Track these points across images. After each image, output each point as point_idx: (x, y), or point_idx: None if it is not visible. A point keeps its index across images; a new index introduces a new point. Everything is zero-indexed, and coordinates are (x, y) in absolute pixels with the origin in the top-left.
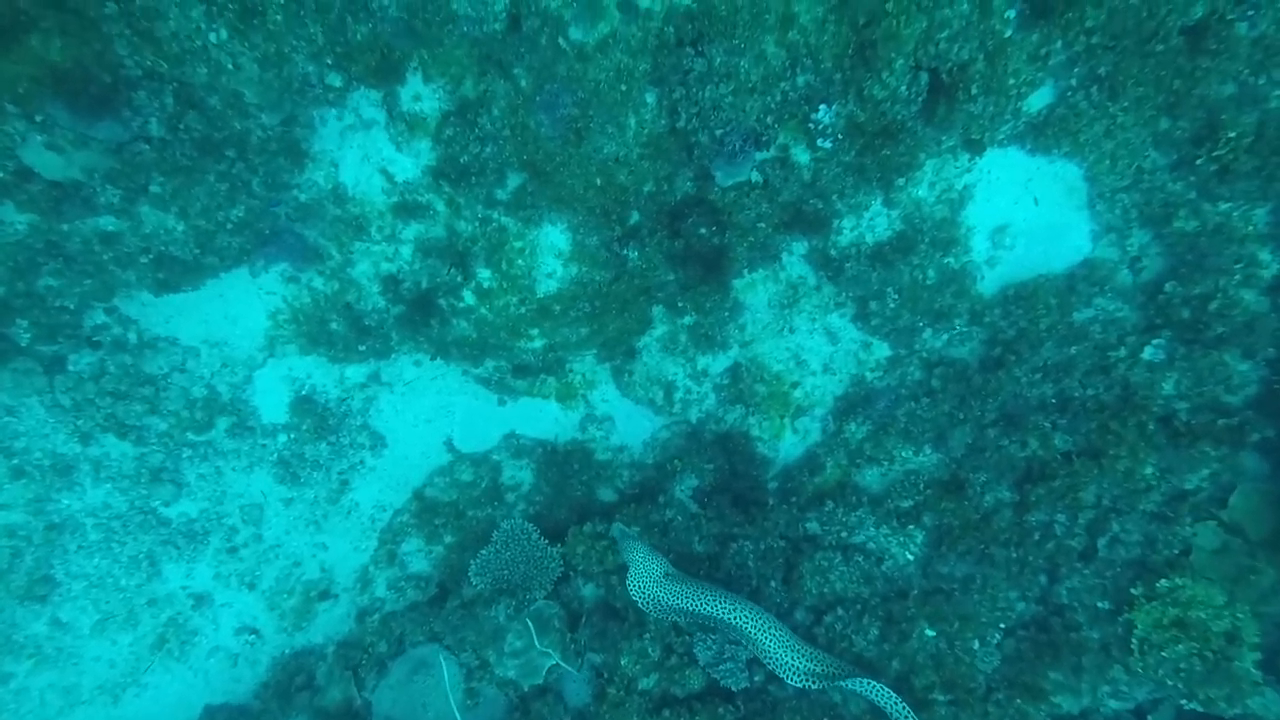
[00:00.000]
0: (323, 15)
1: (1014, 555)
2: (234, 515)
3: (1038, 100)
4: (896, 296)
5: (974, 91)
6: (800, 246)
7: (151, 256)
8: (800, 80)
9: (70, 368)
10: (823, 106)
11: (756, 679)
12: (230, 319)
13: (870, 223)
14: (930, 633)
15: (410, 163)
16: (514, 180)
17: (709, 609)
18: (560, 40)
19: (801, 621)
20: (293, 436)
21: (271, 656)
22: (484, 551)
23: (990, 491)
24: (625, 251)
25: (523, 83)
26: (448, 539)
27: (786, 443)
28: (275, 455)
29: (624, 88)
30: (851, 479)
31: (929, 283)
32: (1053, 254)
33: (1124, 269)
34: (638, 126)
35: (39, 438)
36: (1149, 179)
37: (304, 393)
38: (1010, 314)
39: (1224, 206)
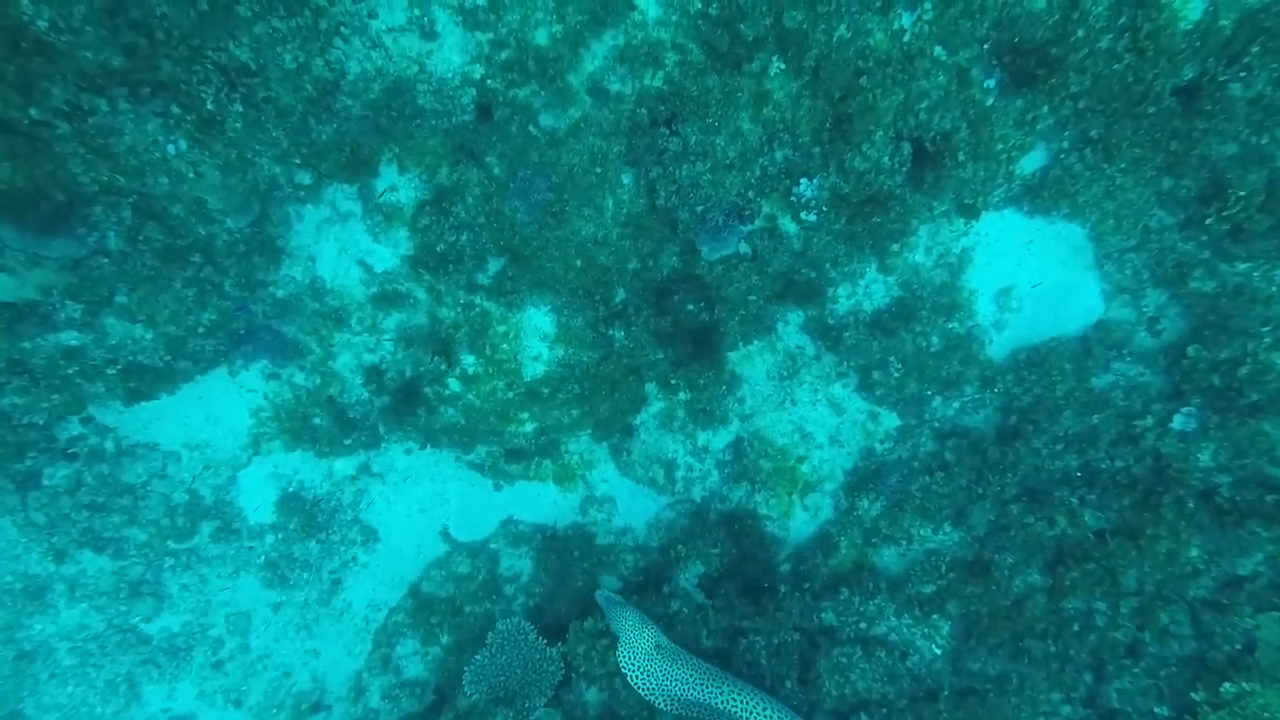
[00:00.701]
0: (284, 119)
1: (1053, 649)
2: (219, 626)
3: (1030, 163)
4: (900, 365)
5: (961, 158)
6: (796, 316)
7: (120, 367)
8: (779, 155)
9: (45, 483)
10: (804, 180)
11: None
12: (211, 420)
13: (867, 290)
14: None
15: (389, 252)
16: (494, 265)
17: (710, 697)
18: (531, 128)
19: None
20: (280, 536)
21: None
22: (479, 656)
23: (1019, 575)
24: (611, 331)
25: (496, 170)
26: (444, 639)
27: (797, 521)
28: (262, 558)
29: (599, 170)
30: (868, 560)
31: (934, 350)
32: (1064, 316)
33: (1142, 330)
34: (615, 207)
35: (9, 560)
36: (1157, 238)
37: (291, 490)
38: (1024, 380)
39: (1242, 266)
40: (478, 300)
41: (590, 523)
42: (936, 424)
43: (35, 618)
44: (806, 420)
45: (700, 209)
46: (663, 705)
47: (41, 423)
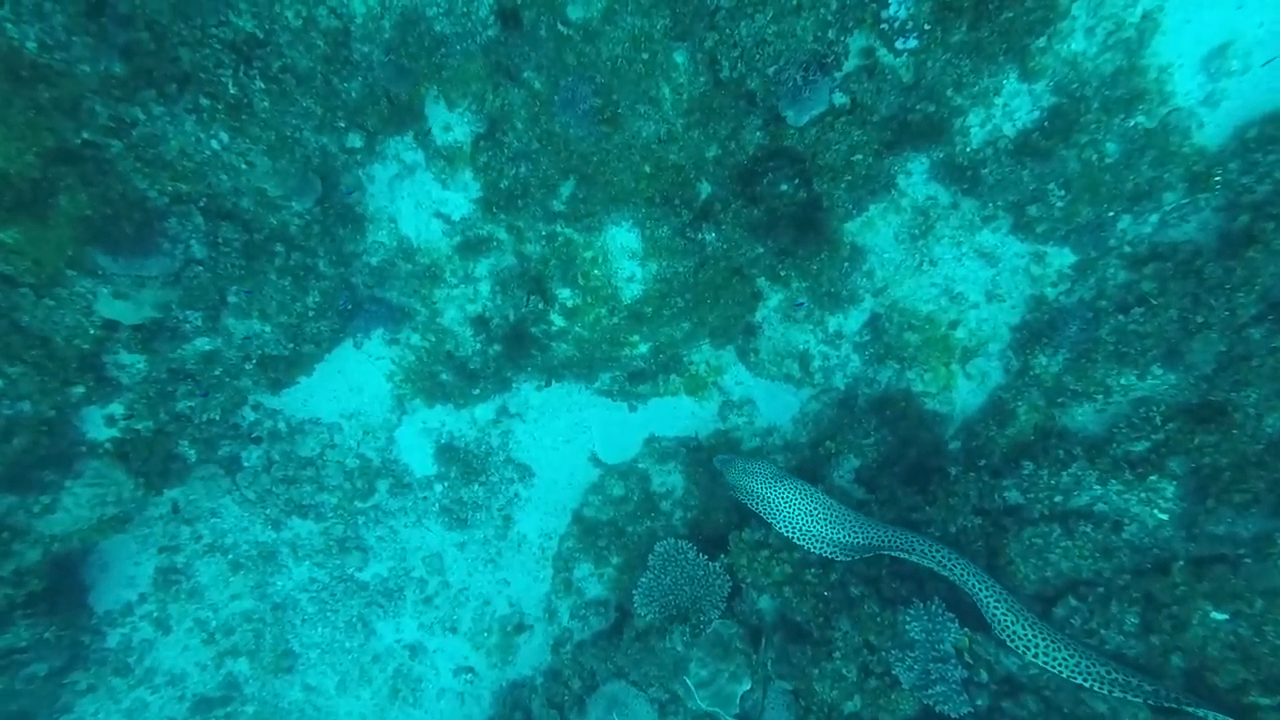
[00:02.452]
0: (308, 85)
1: None
2: (419, 568)
3: None
4: (1064, 192)
5: None
6: (919, 164)
7: (254, 361)
8: None
9: (245, 464)
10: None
11: (980, 702)
12: (355, 390)
13: (1006, 110)
14: (1219, 616)
15: (460, 198)
16: (565, 188)
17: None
18: (560, 26)
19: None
20: (446, 485)
21: (491, 692)
22: (643, 579)
23: (1273, 412)
24: (701, 235)
25: (536, 85)
26: (615, 560)
27: (961, 392)
28: (437, 505)
29: (645, 56)
30: (1056, 423)
31: (1110, 160)
32: None
33: None
34: (674, 94)
35: (241, 531)
36: None
37: (444, 441)
38: (1256, 165)
39: None
40: (558, 229)
41: (732, 428)
42: (1128, 249)
43: (275, 576)
44: (953, 279)
45: (773, 70)
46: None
47: (218, 417)
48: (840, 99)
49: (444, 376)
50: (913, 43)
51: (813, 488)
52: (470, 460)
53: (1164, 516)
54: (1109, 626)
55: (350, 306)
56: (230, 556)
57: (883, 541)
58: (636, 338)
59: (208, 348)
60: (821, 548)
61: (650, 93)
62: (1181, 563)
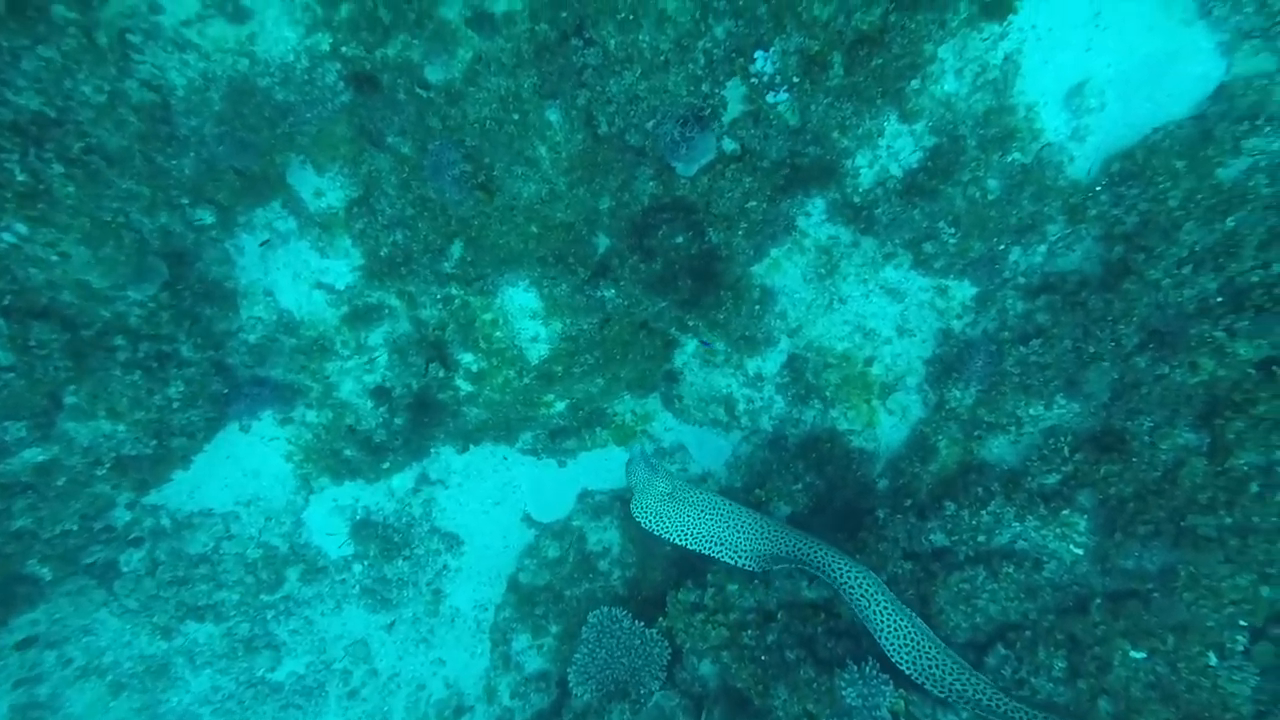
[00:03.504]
0: (124, 167)
1: (1228, 522)
2: (342, 659)
3: None
4: (954, 229)
5: None
6: (816, 205)
7: (108, 465)
8: (720, 31)
9: (125, 570)
10: (759, 53)
11: None
12: (251, 474)
13: (891, 151)
14: (1137, 655)
15: (343, 266)
16: (456, 249)
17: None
18: (419, 89)
19: None
20: (366, 564)
21: None
22: (578, 654)
23: (1164, 439)
24: (600, 293)
25: (404, 150)
26: (554, 628)
27: (884, 428)
28: (358, 587)
29: (516, 116)
30: (975, 456)
31: (993, 196)
32: (1165, 97)
33: None
34: (552, 153)
35: (122, 646)
36: None
37: (359, 518)
38: (1122, 198)
39: None
40: (454, 292)
41: None
42: (1022, 279)
43: (169, 692)
44: (864, 316)
45: (650, 125)
46: (682, 542)
47: (76, 528)
48: (730, 145)
49: (348, 453)
50: (783, 96)
51: (711, 496)
52: (391, 535)
53: (1079, 551)
54: (1038, 674)
55: (227, 391)
56: (110, 678)
57: (792, 553)
58: (551, 396)
59: (41, 458)
60: (729, 555)
61: (526, 153)
62: (1099, 600)
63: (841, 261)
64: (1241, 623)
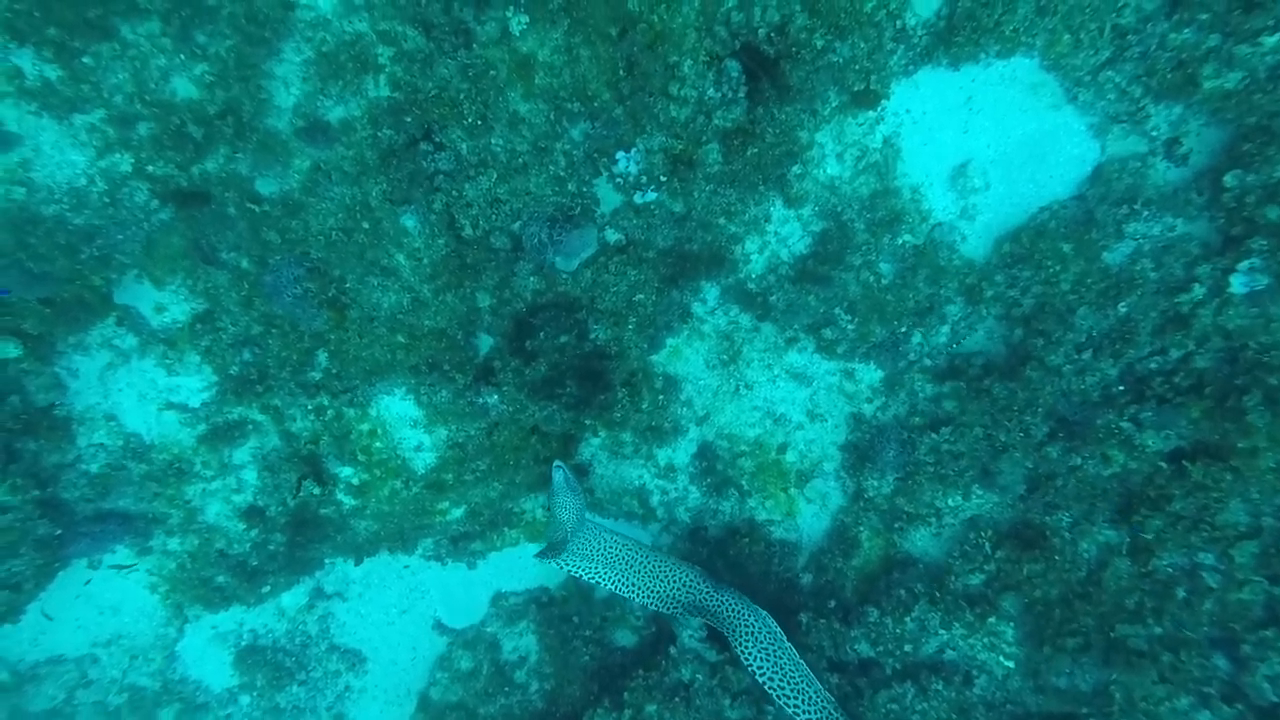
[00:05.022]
0: None
1: (1158, 633)
2: None
3: (924, 7)
4: (850, 315)
5: (820, 43)
6: (711, 290)
7: None
8: (576, 133)
9: None
10: (620, 154)
11: None
12: (110, 610)
13: (779, 234)
14: None
15: (195, 382)
16: (321, 360)
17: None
18: (251, 204)
19: None
20: (255, 694)
21: None
22: None
23: (1085, 536)
24: (482, 399)
25: (244, 264)
26: None
27: (805, 517)
28: None
29: (366, 225)
30: (899, 548)
31: (887, 281)
32: (1048, 176)
33: (1158, 163)
34: (412, 260)
35: None
36: (1138, 39)
37: (244, 643)
38: (1016, 279)
39: (1271, 40)
40: (325, 402)
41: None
42: (929, 360)
43: None
44: (773, 401)
45: (517, 226)
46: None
47: None
48: (613, 236)
49: (220, 579)
50: (651, 195)
51: (621, 537)
52: (282, 659)
53: (1010, 664)
54: None
55: (60, 532)
56: None
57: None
58: (445, 504)
59: None
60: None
61: (382, 262)
62: None
63: (744, 347)
64: None
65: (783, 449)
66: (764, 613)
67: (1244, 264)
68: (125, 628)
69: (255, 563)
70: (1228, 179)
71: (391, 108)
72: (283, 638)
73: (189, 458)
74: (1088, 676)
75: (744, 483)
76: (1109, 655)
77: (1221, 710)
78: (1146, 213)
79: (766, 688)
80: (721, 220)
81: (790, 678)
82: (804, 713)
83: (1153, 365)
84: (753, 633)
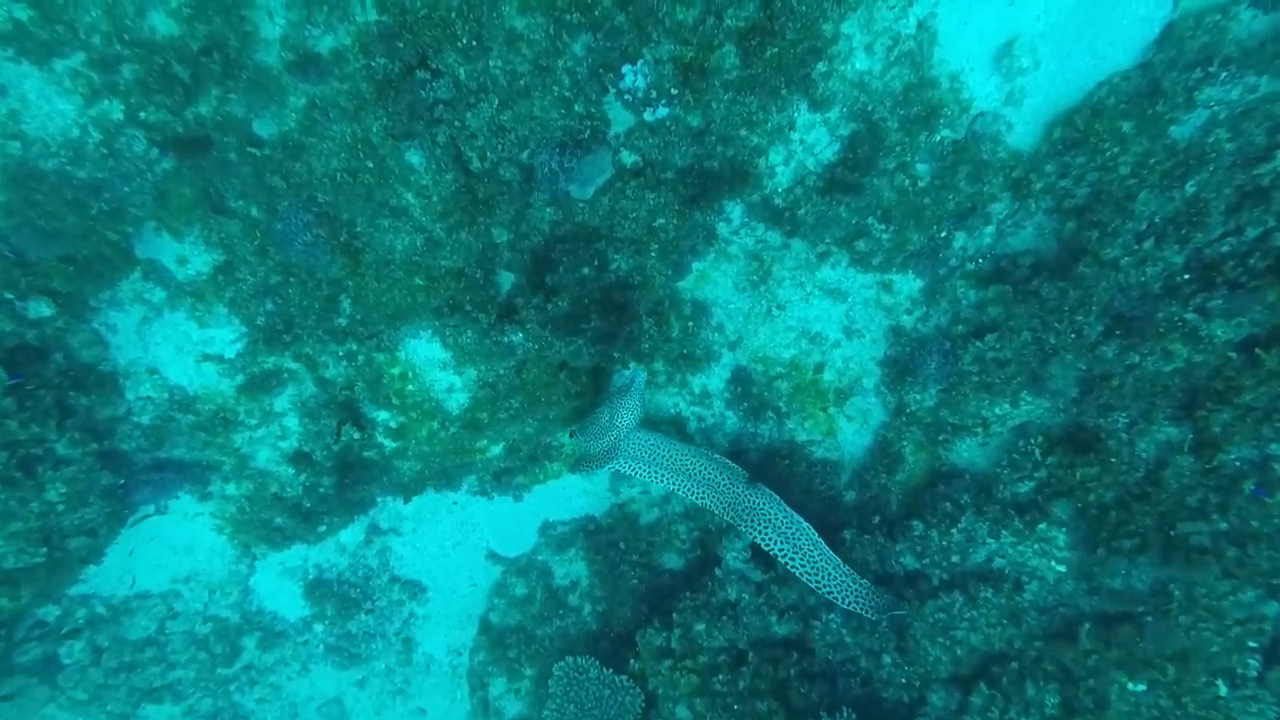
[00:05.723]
0: None
1: (1223, 527)
2: None
3: None
4: (885, 224)
5: None
6: (735, 209)
7: None
8: (578, 48)
9: (66, 662)
10: (626, 68)
11: None
12: (183, 551)
13: (805, 143)
14: (1136, 687)
15: (228, 333)
16: (346, 306)
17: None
18: (251, 148)
19: (945, 708)
20: (327, 622)
21: None
22: (545, 712)
23: (1143, 436)
24: (507, 338)
25: (253, 212)
26: (529, 671)
27: (846, 435)
28: (322, 646)
29: (370, 165)
30: (944, 460)
31: (924, 183)
32: (1107, 45)
33: (1242, 11)
34: (421, 199)
35: None
36: None
37: (312, 577)
38: (1069, 167)
39: None
40: (355, 348)
41: (627, 501)
42: (972, 265)
43: None
44: (807, 320)
45: (525, 156)
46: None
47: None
48: (630, 158)
49: (279, 521)
50: (663, 111)
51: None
52: (348, 591)
53: (1062, 569)
54: (1028, 714)
55: (123, 481)
56: None
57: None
58: (484, 442)
59: None
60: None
61: (391, 203)
62: (1088, 626)
63: (774, 266)
64: (1251, 644)
65: (820, 368)
66: (774, 494)
67: None
68: (200, 566)
69: (309, 504)
70: None
71: (382, 33)
72: (346, 571)
73: (232, 407)
74: (1144, 576)
75: (781, 405)
76: (1168, 554)
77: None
78: (1224, 74)
79: (788, 567)
80: (743, 132)
81: (809, 556)
82: (825, 587)
83: (1224, 248)
84: (769, 519)
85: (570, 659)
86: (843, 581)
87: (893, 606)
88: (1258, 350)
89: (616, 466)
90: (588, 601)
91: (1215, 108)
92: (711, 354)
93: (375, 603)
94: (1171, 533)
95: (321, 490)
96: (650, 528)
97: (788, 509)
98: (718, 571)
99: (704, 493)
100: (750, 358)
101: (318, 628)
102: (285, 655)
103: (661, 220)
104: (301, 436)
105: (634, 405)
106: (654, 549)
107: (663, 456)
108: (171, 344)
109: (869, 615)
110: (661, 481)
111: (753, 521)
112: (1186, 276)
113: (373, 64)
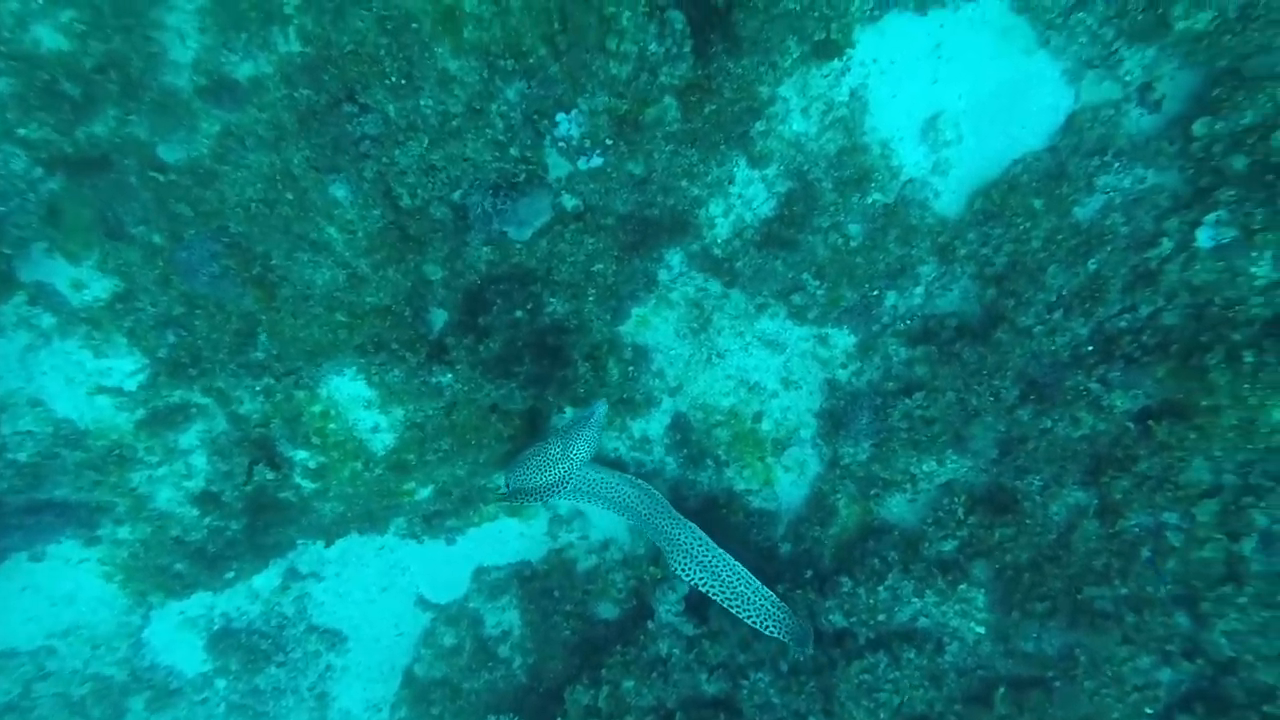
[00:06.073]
0: None
1: (1123, 593)
2: None
3: None
4: (819, 280)
5: None
6: (675, 257)
7: None
8: (512, 93)
9: None
10: (561, 117)
11: None
12: (63, 601)
13: (743, 197)
14: None
15: (127, 364)
16: (263, 339)
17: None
18: (153, 172)
19: None
20: (231, 677)
21: None
22: None
23: (1055, 498)
24: (435, 379)
25: (155, 239)
26: None
27: (783, 487)
28: (224, 704)
29: (290, 196)
30: (877, 516)
31: (856, 243)
32: (1022, 126)
33: (1132, 109)
34: (345, 234)
35: None
36: None
37: (217, 627)
38: (989, 236)
39: None
40: (273, 383)
41: (565, 546)
42: (903, 324)
43: None
44: (746, 369)
45: (457, 196)
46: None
47: None
48: (571, 202)
49: (179, 567)
50: (597, 161)
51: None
52: (257, 642)
53: (981, 630)
54: None
55: None
56: None
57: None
58: (412, 484)
59: None
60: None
61: (311, 236)
62: (1003, 690)
63: (714, 314)
64: (1148, 710)
65: (758, 417)
66: (693, 525)
67: (1210, 217)
68: (83, 618)
69: (214, 549)
70: (1196, 127)
71: (305, 65)
72: (258, 620)
73: (130, 443)
74: (1054, 640)
75: (720, 453)
76: (1075, 618)
77: (1182, 666)
78: (1118, 164)
79: (710, 595)
80: (684, 183)
81: (728, 583)
82: (745, 613)
83: (1122, 323)
84: (686, 548)
85: (494, 718)
86: (761, 605)
87: (803, 636)
88: (1150, 422)
89: (561, 499)
90: (519, 653)
91: (1111, 193)
92: (652, 399)
93: (289, 654)
94: (1079, 596)
95: (229, 533)
96: (588, 575)
97: (705, 538)
98: (650, 624)
99: (639, 523)
100: (690, 404)
101: (220, 683)
102: (179, 717)
103: (600, 265)
104: (209, 476)
105: (591, 437)
106: (590, 598)
107: (601, 489)
108: (61, 374)
109: (787, 640)
110: (602, 509)
111: (674, 553)
112: (1090, 348)
113: (296, 94)
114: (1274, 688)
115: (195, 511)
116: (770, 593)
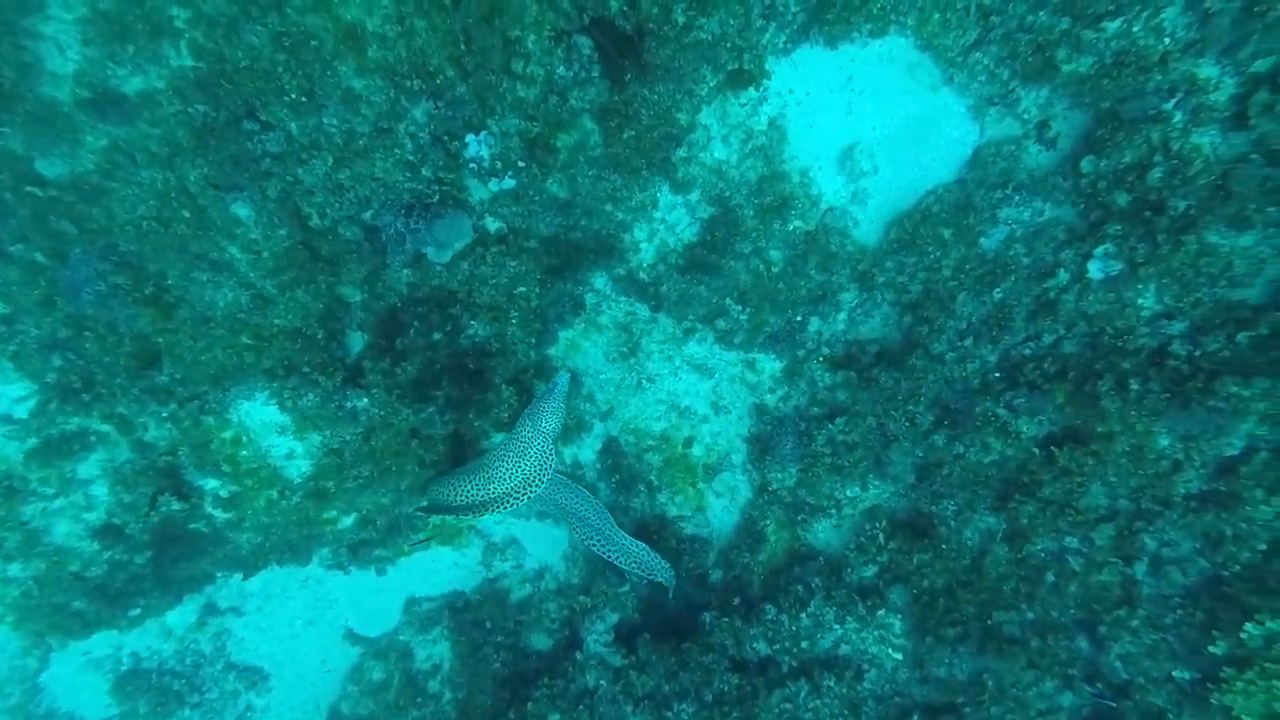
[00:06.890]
0: None
1: (1030, 618)
2: None
3: None
4: (741, 305)
5: (682, 19)
6: (600, 280)
7: None
8: (419, 113)
9: None
10: (470, 138)
11: None
12: None
13: (667, 222)
14: None
15: (17, 389)
16: (166, 367)
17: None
18: (30, 187)
19: None
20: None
21: None
22: None
23: (968, 525)
24: (350, 403)
25: (37, 258)
26: None
27: (715, 512)
28: None
29: (186, 214)
30: (804, 541)
31: (778, 269)
32: (933, 158)
33: (1031, 145)
34: (249, 254)
35: None
36: (1001, 20)
37: (125, 668)
38: (905, 266)
39: (1114, 25)
40: (178, 409)
41: (500, 575)
42: (827, 350)
43: None
44: (676, 394)
45: (368, 216)
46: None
47: None
48: (494, 224)
49: (77, 605)
50: (509, 183)
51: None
52: (170, 682)
53: (898, 656)
54: None
55: None
56: None
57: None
58: (333, 513)
59: None
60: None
61: (211, 255)
62: (917, 716)
63: (643, 339)
64: None
65: (689, 442)
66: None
67: (1099, 249)
68: None
69: (118, 584)
70: (1084, 164)
71: (199, 80)
72: (171, 659)
73: (20, 474)
74: (964, 665)
75: (652, 478)
76: (984, 643)
77: (1083, 691)
78: (1018, 197)
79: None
80: (608, 206)
81: (623, 548)
82: (636, 569)
83: (1027, 350)
84: (586, 520)
85: None
86: (646, 561)
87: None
88: (1053, 448)
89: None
90: (448, 688)
91: (1013, 225)
92: (583, 424)
93: (204, 694)
94: (989, 622)
95: (134, 567)
96: (521, 605)
97: (591, 499)
98: (578, 655)
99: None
100: (621, 429)
101: None
102: None
103: (523, 288)
104: (111, 507)
105: (557, 408)
106: (522, 628)
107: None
108: None
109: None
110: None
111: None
112: (998, 375)
113: (190, 110)
114: (1164, 711)
115: (95, 545)
116: (651, 550)
